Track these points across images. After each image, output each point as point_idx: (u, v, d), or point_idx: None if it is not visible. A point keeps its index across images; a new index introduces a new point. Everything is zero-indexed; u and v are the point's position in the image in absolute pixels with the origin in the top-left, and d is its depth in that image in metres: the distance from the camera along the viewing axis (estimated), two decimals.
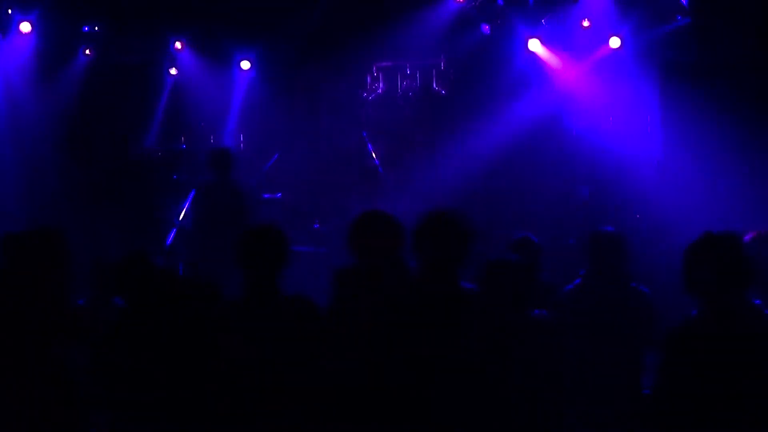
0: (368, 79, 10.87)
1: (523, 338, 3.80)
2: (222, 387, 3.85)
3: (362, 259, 4.07)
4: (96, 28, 9.99)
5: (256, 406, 3.83)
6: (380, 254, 4.02)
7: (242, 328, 3.94)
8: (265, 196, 9.80)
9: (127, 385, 3.91)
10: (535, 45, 9.89)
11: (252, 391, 3.84)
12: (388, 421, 3.68)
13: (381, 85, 10.87)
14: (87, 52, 10.10)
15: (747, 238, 4.35)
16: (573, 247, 8.73)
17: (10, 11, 9.31)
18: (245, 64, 10.50)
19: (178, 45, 10.36)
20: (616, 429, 4.76)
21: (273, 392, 3.84)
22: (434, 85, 10.79)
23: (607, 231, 5.19)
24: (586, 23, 9.77)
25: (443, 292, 3.82)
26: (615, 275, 4.98)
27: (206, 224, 8.38)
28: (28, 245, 4.48)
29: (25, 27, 9.31)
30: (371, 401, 3.72)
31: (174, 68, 10.55)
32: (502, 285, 3.83)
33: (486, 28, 10.06)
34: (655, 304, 4.98)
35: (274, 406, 3.83)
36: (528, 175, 9.91)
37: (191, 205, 8.66)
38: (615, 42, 9.64)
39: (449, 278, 3.85)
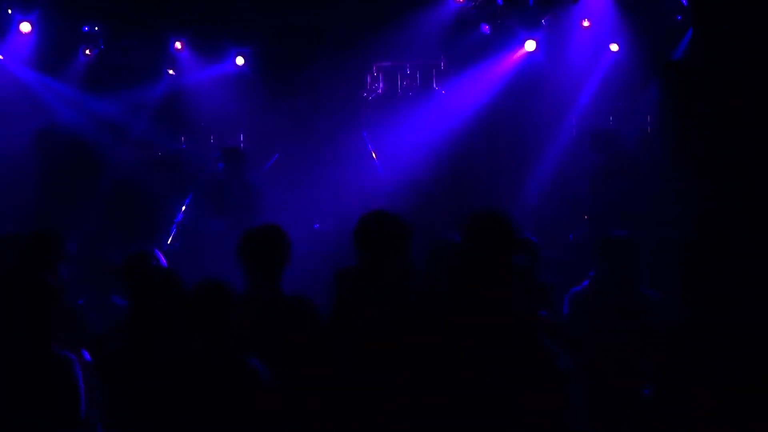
0: (368, 79, 10.87)
1: (529, 340, 3.79)
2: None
3: (367, 260, 4.06)
4: (96, 28, 9.97)
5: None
6: (385, 254, 4.00)
7: (242, 327, 3.94)
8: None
9: (128, 385, 3.90)
10: (532, 46, 9.97)
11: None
12: (388, 421, 3.68)
13: (381, 85, 10.88)
14: (87, 52, 10.09)
15: None
16: (573, 246, 8.78)
17: (10, 11, 9.30)
18: (239, 60, 10.50)
19: (178, 45, 10.34)
20: (618, 429, 4.75)
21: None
22: (434, 85, 10.80)
23: (620, 235, 5.14)
24: (586, 23, 9.79)
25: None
26: (625, 280, 4.92)
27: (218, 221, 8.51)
28: (26, 246, 4.48)
29: (25, 27, 9.29)
30: (372, 401, 3.72)
31: (174, 68, 10.55)
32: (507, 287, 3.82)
33: (486, 28, 10.07)
34: (662, 307, 4.94)
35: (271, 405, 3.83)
36: (528, 175, 9.91)
37: (199, 202, 8.71)
38: (614, 47, 9.73)
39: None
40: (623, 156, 8.71)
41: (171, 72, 10.50)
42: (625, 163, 8.62)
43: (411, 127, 10.85)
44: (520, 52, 10.23)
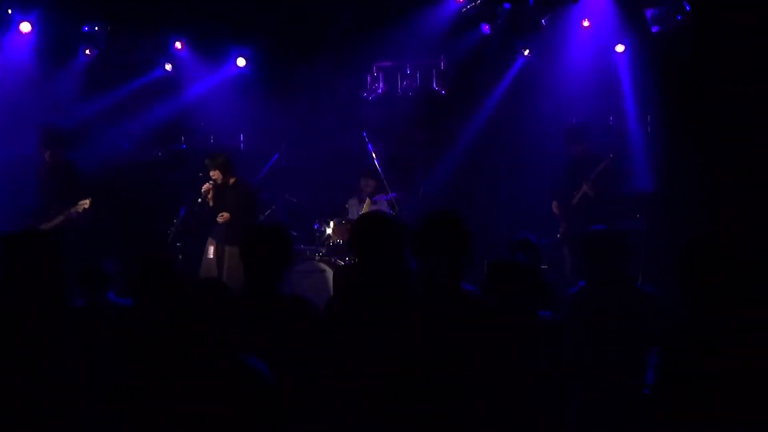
0: (368, 79, 10.88)
1: (531, 340, 3.78)
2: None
3: (363, 259, 4.07)
4: (96, 28, 9.97)
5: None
6: (381, 254, 4.01)
7: (242, 326, 3.94)
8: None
9: (131, 385, 3.91)
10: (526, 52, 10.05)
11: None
12: (385, 421, 3.68)
13: (381, 85, 10.88)
14: (87, 51, 10.09)
15: None
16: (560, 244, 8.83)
17: (10, 11, 9.30)
18: (240, 61, 10.51)
19: (178, 45, 10.35)
20: (618, 429, 4.74)
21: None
22: (434, 85, 10.80)
23: (600, 230, 5.06)
24: (586, 23, 9.79)
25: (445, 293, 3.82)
26: (616, 275, 4.86)
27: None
28: (20, 247, 4.48)
29: (25, 27, 9.29)
30: (367, 401, 3.72)
31: (174, 68, 10.55)
32: (510, 287, 3.82)
33: (486, 28, 10.07)
34: (660, 304, 4.91)
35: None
36: (528, 175, 9.91)
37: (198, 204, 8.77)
38: (620, 48, 9.75)
39: (451, 280, 3.84)
40: (594, 148, 9.02)
41: (168, 67, 10.49)
42: (595, 155, 8.92)
43: (411, 127, 10.88)
44: (520, 52, 10.26)
